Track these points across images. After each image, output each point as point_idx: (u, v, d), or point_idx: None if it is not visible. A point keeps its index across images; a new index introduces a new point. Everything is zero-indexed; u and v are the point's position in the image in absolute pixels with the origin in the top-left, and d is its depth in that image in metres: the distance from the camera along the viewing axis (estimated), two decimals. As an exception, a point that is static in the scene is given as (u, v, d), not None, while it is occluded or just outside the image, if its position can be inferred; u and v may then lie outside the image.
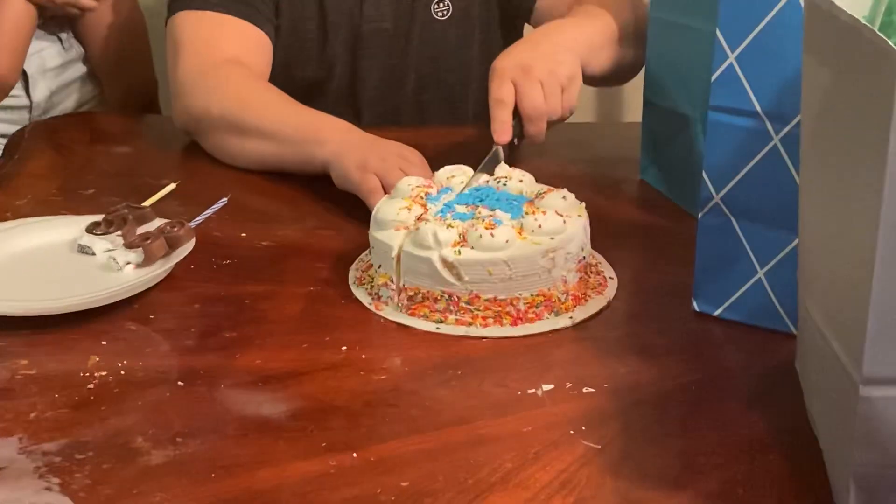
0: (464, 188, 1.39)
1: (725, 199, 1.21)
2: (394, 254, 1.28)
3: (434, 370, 1.18)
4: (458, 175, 1.41)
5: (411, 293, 1.27)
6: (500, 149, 1.48)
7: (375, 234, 1.31)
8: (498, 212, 1.31)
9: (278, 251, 1.44)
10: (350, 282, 1.35)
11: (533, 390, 1.14)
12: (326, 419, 1.09)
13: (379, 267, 1.30)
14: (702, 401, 1.14)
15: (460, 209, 1.33)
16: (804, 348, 1.08)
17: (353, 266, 1.39)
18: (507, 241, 1.25)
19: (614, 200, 1.61)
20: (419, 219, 1.30)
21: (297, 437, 1.06)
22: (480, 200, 1.34)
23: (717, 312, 1.26)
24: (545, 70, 1.55)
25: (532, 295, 1.26)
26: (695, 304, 1.27)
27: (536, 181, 1.40)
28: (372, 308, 1.29)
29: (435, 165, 1.47)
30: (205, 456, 1.03)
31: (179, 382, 1.14)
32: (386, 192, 1.46)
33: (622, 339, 1.25)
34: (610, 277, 1.37)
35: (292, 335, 1.24)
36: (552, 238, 1.27)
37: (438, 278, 1.25)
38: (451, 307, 1.26)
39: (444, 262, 1.25)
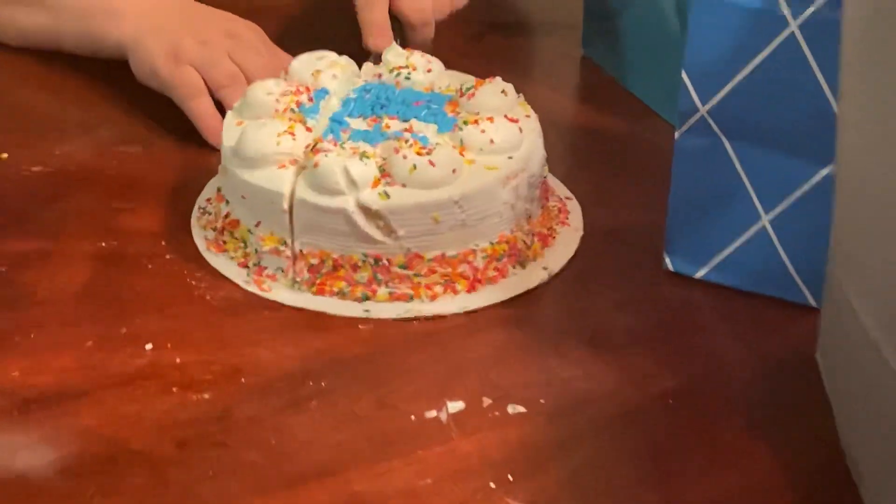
0: (348, 90, 0.97)
1: (716, 112, 0.83)
2: (286, 205, 0.87)
3: (285, 382, 0.79)
4: (326, 68, 0.97)
5: (314, 261, 0.87)
6: (379, 56, 1.03)
7: (246, 175, 0.87)
8: (415, 122, 0.90)
9: (55, 182, 0.99)
10: (197, 242, 0.92)
11: (434, 413, 0.77)
12: (116, 473, 0.73)
13: (257, 225, 0.88)
14: (684, 423, 0.77)
15: (357, 124, 0.91)
16: (834, 343, 0.72)
17: (195, 216, 0.95)
18: (454, 171, 0.86)
19: (551, 89, 1.17)
20: (314, 149, 0.87)
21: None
22: (382, 108, 0.93)
23: (699, 274, 0.88)
24: None
25: (492, 244, 0.88)
26: (668, 262, 0.89)
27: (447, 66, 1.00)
28: (249, 288, 0.87)
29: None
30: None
31: None
32: (213, 93, 1.04)
33: (564, 318, 0.87)
34: (567, 197, 0.98)
35: (70, 327, 0.84)
36: (510, 157, 0.89)
37: (359, 235, 0.84)
38: (381, 276, 0.86)
39: (366, 210, 0.84)
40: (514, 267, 0.88)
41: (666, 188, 0.93)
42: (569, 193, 0.98)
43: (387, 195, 0.84)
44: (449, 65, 0.99)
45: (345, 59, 0.99)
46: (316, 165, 0.84)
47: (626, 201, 0.97)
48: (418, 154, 0.84)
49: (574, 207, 0.96)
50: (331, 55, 0.99)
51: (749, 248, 0.86)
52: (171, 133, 1.05)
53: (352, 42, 1.09)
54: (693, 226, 0.87)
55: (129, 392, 0.78)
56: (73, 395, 0.78)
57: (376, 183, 0.84)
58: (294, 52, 1.07)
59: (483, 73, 0.97)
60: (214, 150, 1.02)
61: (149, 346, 0.82)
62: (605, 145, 1.07)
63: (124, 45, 1.09)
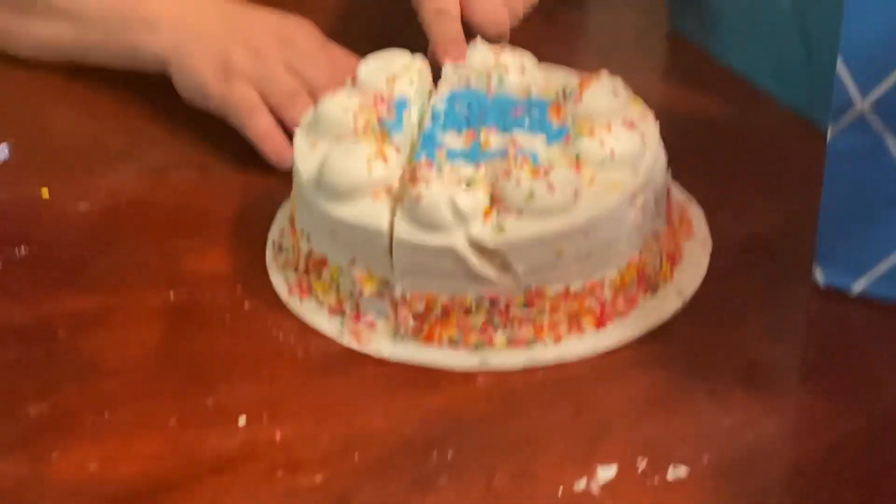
0: (432, 97, 0.84)
1: (879, 107, 0.71)
2: (385, 243, 0.76)
3: (406, 454, 0.68)
4: (401, 73, 0.85)
5: (420, 307, 0.76)
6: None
7: (336, 210, 0.76)
8: (518, 134, 0.79)
9: (106, 222, 0.87)
10: (275, 286, 0.80)
11: (584, 482, 0.66)
12: None
13: (351, 263, 0.77)
14: (873, 476, 0.66)
15: (451, 140, 0.79)
16: None
17: (270, 253, 0.83)
18: (575, 194, 0.75)
19: (639, 70, 0.98)
20: (412, 177, 0.75)
21: None
22: (479, 121, 0.81)
23: (857, 287, 0.77)
24: None
25: (620, 271, 0.78)
26: (819, 276, 0.78)
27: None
28: (345, 340, 0.76)
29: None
30: None
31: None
32: (272, 112, 0.92)
33: (711, 353, 0.75)
34: (685, 201, 0.86)
35: (148, 401, 0.73)
36: (635, 170, 0.80)
37: (471, 275, 0.73)
38: (498, 319, 0.76)
39: (478, 247, 0.73)
40: (644, 294, 0.78)
41: (799, 184, 0.84)
42: (688, 196, 0.87)
43: (501, 228, 0.73)
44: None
45: (419, 60, 0.86)
46: (417, 198, 0.73)
47: (755, 204, 0.86)
48: (533, 176, 0.73)
49: (695, 213, 0.85)
50: (402, 55, 0.86)
51: (918, 257, 0.76)
52: (227, 154, 0.93)
53: (420, 35, 0.97)
54: (850, 234, 0.76)
55: (229, 480, 0.67)
56: (164, 489, 0.67)
57: (487, 214, 0.73)
58: (350, 48, 0.97)
59: (560, 57, 0.85)
60: (278, 172, 0.91)
61: (242, 420, 0.71)
62: (716, 135, 0.94)
63: (164, 59, 0.96)
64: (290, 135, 0.91)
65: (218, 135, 0.93)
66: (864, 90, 0.71)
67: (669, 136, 0.81)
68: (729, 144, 0.93)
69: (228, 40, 0.95)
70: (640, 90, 0.86)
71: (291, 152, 0.87)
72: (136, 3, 0.98)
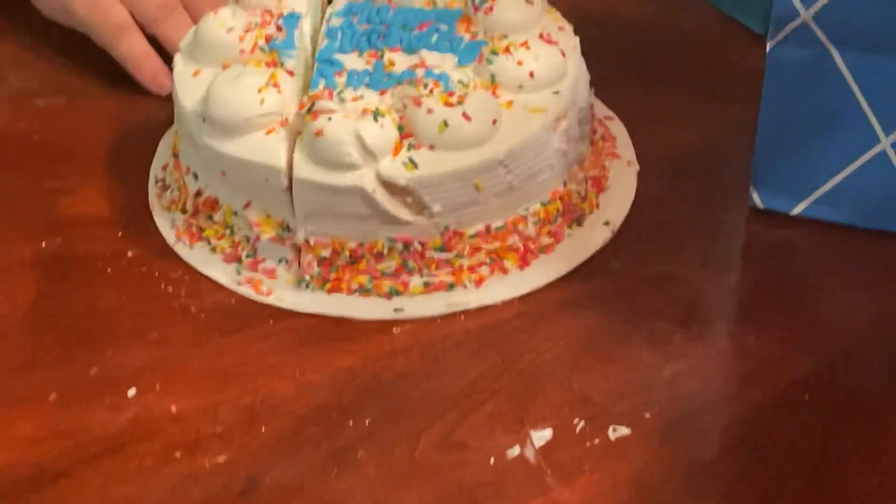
0: (326, 11, 0.76)
1: (823, 16, 0.64)
2: (285, 181, 0.70)
3: (319, 424, 0.61)
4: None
5: (325, 253, 0.68)
6: None
7: (225, 146, 0.67)
8: (426, 54, 0.71)
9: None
10: (161, 230, 0.72)
11: (517, 449, 0.59)
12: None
13: (246, 207, 0.68)
14: (834, 423, 0.60)
15: (352, 62, 0.71)
16: None
17: (153, 192, 0.75)
18: (493, 122, 0.67)
19: None
20: (311, 110, 0.66)
21: None
22: (379, 36, 0.72)
23: (796, 210, 0.71)
24: None
25: (544, 204, 0.70)
26: (756, 198, 0.72)
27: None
28: (242, 290, 0.68)
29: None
30: None
31: None
32: (143, 29, 0.83)
33: (645, 290, 0.68)
34: (607, 117, 0.79)
35: (23, 373, 0.64)
36: (556, 92, 0.71)
37: (382, 217, 0.66)
38: (413, 263, 0.68)
39: (390, 186, 0.65)
40: (569, 227, 0.71)
41: (728, 92, 0.78)
42: (608, 112, 0.80)
43: (414, 164, 0.65)
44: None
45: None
46: (319, 134, 0.64)
47: (682, 117, 0.79)
48: (447, 105, 0.65)
49: (619, 131, 0.78)
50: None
51: (863, 176, 0.68)
52: (96, 74, 0.84)
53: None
54: (790, 153, 0.69)
55: (121, 465, 0.59)
56: (46, 478, 0.59)
57: (398, 148, 0.65)
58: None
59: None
60: (154, 95, 0.82)
61: (132, 392, 0.63)
62: (633, 38, 0.86)
63: None
64: (165, 54, 0.83)
65: (85, 53, 0.84)
66: (807, 0, 0.65)
67: (583, 42, 0.74)
68: (648, 48, 0.86)
69: None
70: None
71: (168, 75, 0.80)
72: None
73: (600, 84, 0.76)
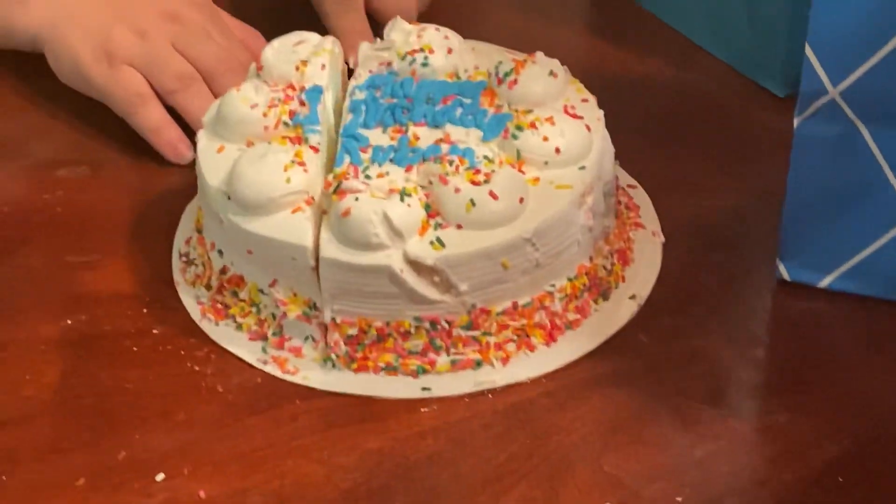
0: (349, 84, 0.75)
1: (851, 94, 0.64)
2: (312, 260, 0.70)
3: (347, 501, 0.61)
4: (311, 56, 0.75)
5: (352, 331, 0.68)
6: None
7: (251, 225, 0.67)
8: (451, 129, 0.70)
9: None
10: (186, 306, 0.72)
11: None
12: None
13: (272, 285, 0.68)
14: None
15: (376, 137, 0.71)
16: None
17: (177, 267, 0.75)
18: (521, 201, 0.68)
19: (560, 23, 0.94)
20: (337, 190, 0.65)
21: None
22: (403, 111, 0.72)
23: (824, 283, 0.71)
24: None
25: (570, 280, 0.71)
26: (783, 271, 0.71)
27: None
28: (268, 369, 0.68)
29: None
30: None
31: None
32: (162, 98, 0.83)
33: (673, 366, 0.67)
34: (630, 185, 0.79)
35: (51, 456, 0.63)
36: (582, 167, 0.71)
37: (409, 296, 0.65)
38: (440, 342, 0.68)
39: (417, 266, 0.65)
40: (595, 301, 0.71)
41: (755, 163, 0.79)
42: (631, 180, 0.79)
43: (441, 243, 0.65)
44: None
45: (330, 42, 0.77)
46: (346, 214, 0.64)
47: (707, 187, 0.78)
48: (474, 183, 0.65)
49: (643, 200, 0.77)
50: (311, 37, 0.77)
51: (892, 250, 0.68)
52: (119, 144, 0.84)
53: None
54: (817, 227, 0.69)
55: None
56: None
57: (425, 227, 0.65)
58: (252, 24, 0.88)
59: (479, 13, 0.77)
60: (178, 165, 0.82)
61: (160, 477, 0.62)
62: (654, 100, 0.87)
63: (38, 39, 0.86)
64: (184, 122, 0.83)
65: (107, 122, 0.84)
66: (836, 78, 0.64)
67: (603, 107, 0.74)
68: (669, 112, 0.86)
69: (108, 17, 0.84)
70: (560, 46, 0.79)
71: (188, 144, 0.81)
72: None
73: (622, 150, 0.75)
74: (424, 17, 0.88)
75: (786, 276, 0.72)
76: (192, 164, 0.79)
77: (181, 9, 0.86)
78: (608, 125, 0.73)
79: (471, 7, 0.83)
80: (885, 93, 0.64)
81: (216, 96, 0.82)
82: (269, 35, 0.84)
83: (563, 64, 0.74)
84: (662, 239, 0.75)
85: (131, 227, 0.78)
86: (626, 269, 0.73)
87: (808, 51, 0.64)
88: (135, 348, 0.70)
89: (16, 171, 0.82)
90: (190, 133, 0.83)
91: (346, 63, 0.81)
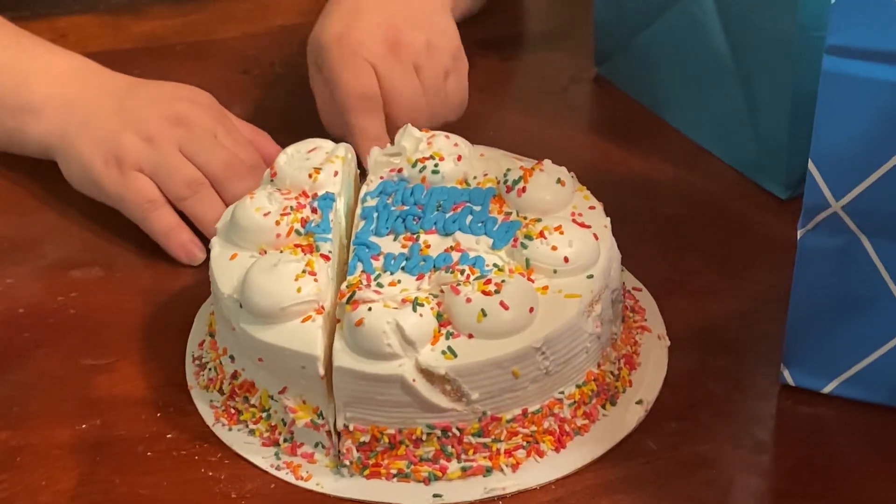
0: (361, 190, 0.77)
1: (854, 208, 0.66)
2: (322, 369, 0.70)
3: None
4: (324, 164, 0.77)
5: (364, 438, 0.69)
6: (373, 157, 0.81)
7: (262, 334, 0.68)
8: (461, 237, 0.72)
9: (4, 334, 0.79)
10: (200, 411, 0.73)
11: None
12: None
13: (282, 392, 0.69)
14: None
15: (388, 245, 0.72)
16: None
17: (190, 371, 0.76)
18: (531, 310, 0.69)
19: (565, 122, 0.95)
20: (351, 301, 0.66)
21: None
22: (417, 219, 0.73)
23: (827, 388, 0.72)
24: (421, 43, 0.89)
25: (579, 387, 0.72)
26: (787, 376, 0.73)
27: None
28: (281, 475, 0.69)
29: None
30: None
31: None
32: (172, 203, 0.84)
33: (680, 473, 0.68)
34: (635, 288, 0.80)
35: None
36: (590, 275, 0.72)
37: (421, 404, 0.66)
38: (452, 449, 0.69)
39: (429, 375, 0.67)
40: (603, 407, 0.72)
41: (758, 265, 0.80)
42: (637, 283, 0.81)
43: (453, 353, 0.66)
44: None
45: (343, 149, 0.79)
46: (359, 324, 0.66)
47: (711, 290, 0.80)
48: (484, 293, 0.67)
49: (648, 303, 0.79)
50: (324, 144, 0.79)
51: (893, 357, 0.70)
52: (131, 245, 0.85)
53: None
54: (820, 334, 0.71)
55: None
56: None
57: (436, 337, 0.67)
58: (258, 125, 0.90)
59: (482, 108, 0.79)
60: (189, 266, 0.84)
61: None
62: (657, 204, 0.88)
63: (50, 148, 0.88)
64: (193, 226, 0.85)
65: (119, 224, 0.86)
66: (838, 192, 0.66)
67: (607, 207, 0.75)
68: (673, 214, 0.87)
69: (117, 124, 0.86)
70: (564, 144, 0.80)
71: (199, 246, 0.83)
72: (16, 85, 0.90)
73: (627, 252, 0.77)
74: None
75: (790, 381, 0.73)
76: (204, 265, 0.81)
77: (188, 112, 0.87)
78: (614, 227, 0.75)
79: (478, 109, 0.85)
80: (886, 207, 0.66)
81: (224, 201, 0.84)
82: (276, 134, 0.87)
83: (569, 166, 0.76)
84: (668, 342, 0.76)
85: (145, 329, 0.79)
86: (633, 374, 0.74)
87: (811, 166, 0.66)
88: (149, 453, 0.71)
89: (30, 273, 0.84)
90: (200, 233, 0.84)
91: (360, 166, 0.83)
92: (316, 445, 0.70)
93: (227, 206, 0.82)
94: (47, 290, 0.82)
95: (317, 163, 0.77)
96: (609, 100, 0.99)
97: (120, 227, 0.85)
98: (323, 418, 0.69)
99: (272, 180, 0.77)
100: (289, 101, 0.98)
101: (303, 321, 0.68)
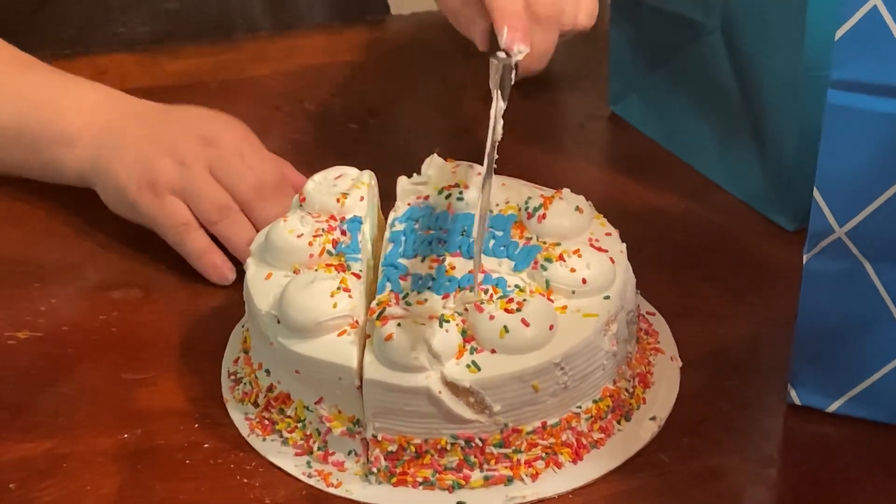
0: (390, 215, 0.81)
1: (857, 234, 0.70)
2: (356, 381, 0.74)
3: None
4: (351, 189, 0.81)
5: (392, 447, 0.73)
6: (511, 65, 0.81)
7: (300, 347, 0.72)
8: (484, 260, 0.76)
9: (48, 352, 0.83)
10: (235, 422, 0.77)
11: None
12: None
13: (318, 402, 0.73)
14: None
15: (415, 266, 0.76)
16: None
17: (226, 384, 0.80)
18: (551, 328, 0.73)
19: (580, 159, 1.01)
20: (381, 316, 0.71)
21: None
22: (442, 243, 0.78)
23: (832, 407, 0.76)
24: None
25: (595, 402, 0.76)
26: (794, 395, 0.77)
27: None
28: (313, 482, 0.73)
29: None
30: None
31: None
32: (203, 225, 0.88)
33: (692, 486, 0.72)
34: (649, 313, 0.84)
35: None
36: (606, 297, 0.76)
37: (446, 416, 0.70)
38: (474, 458, 0.72)
39: (454, 387, 0.71)
40: (619, 422, 0.75)
41: (765, 292, 0.84)
42: (650, 308, 0.85)
43: (477, 367, 0.70)
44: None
45: (367, 176, 0.83)
46: (389, 338, 0.70)
47: (721, 316, 0.84)
48: (507, 311, 0.71)
49: (661, 326, 0.83)
50: (349, 171, 0.83)
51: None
52: (168, 266, 0.89)
53: (362, 149, 0.94)
54: (826, 355, 0.75)
55: None
56: None
57: (461, 352, 0.71)
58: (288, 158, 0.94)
59: (504, 143, 0.82)
60: (224, 286, 0.88)
61: None
62: (670, 234, 0.92)
63: (86, 175, 0.93)
64: (223, 247, 0.89)
65: (157, 248, 0.90)
66: (842, 218, 0.70)
67: (622, 236, 0.79)
68: (686, 243, 0.92)
69: (149, 149, 0.90)
70: (579, 178, 0.84)
71: (230, 267, 0.87)
72: (51, 116, 0.94)
73: (641, 279, 0.81)
74: (459, 153, 0.94)
75: (796, 400, 0.77)
76: (236, 286, 0.85)
77: (216, 132, 0.91)
78: (629, 256, 0.79)
79: (500, 144, 0.89)
80: (887, 233, 0.70)
81: (253, 224, 0.89)
82: (304, 167, 0.91)
83: (586, 197, 0.81)
84: (680, 363, 0.80)
85: (181, 346, 0.83)
86: (647, 392, 0.78)
87: (816, 193, 0.70)
88: (187, 461, 0.74)
89: (73, 294, 0.88)
90: (230, 255, 0.89)
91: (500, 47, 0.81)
92: (349, 453, 0.73)
93: (255, 227, 0.88)
94: (89, 309, 0.87)
95: (343, 188, 0.82)
96: (623, 136, 1.04)
97: (157, 251, 0.89)
98: (360, 426, 0.73)
99: (301, 205, 0.82)
100: (317, 134, 1.04)
101: (338, 335, 0.72)
